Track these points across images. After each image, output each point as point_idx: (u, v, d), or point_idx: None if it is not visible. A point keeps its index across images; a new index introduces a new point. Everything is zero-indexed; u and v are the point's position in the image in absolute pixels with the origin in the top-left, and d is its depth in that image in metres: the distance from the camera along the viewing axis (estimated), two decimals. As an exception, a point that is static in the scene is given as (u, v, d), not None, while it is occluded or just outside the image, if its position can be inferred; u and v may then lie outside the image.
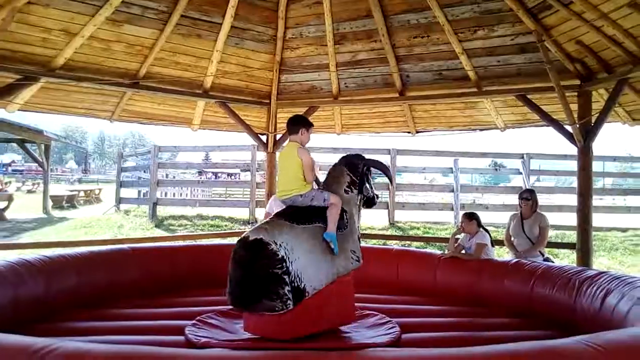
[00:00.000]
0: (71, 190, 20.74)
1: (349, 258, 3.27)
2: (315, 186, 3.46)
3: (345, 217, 3.30)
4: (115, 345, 1.84)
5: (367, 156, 3.66)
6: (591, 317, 3.24)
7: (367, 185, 3.57)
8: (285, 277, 2.83)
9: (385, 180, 13.20)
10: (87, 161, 60.33)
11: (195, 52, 6.23)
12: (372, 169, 3.64)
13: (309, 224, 3.14)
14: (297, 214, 3.18)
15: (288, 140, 3.51)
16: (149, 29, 5.69)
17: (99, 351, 1.73)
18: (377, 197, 3.66)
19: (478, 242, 4.66)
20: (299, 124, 3.46)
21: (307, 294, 2.92)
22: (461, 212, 11.63)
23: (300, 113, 7.01)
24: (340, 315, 3.22)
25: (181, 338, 3.03)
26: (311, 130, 3.53)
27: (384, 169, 3.79)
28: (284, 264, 2.85)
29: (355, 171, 3.49)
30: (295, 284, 2.87)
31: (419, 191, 16.65)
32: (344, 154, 3.70)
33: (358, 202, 3.53)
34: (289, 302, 2.81)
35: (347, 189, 3.43)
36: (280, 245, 2.89)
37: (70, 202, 18.28)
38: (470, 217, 4.77)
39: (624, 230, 11.70)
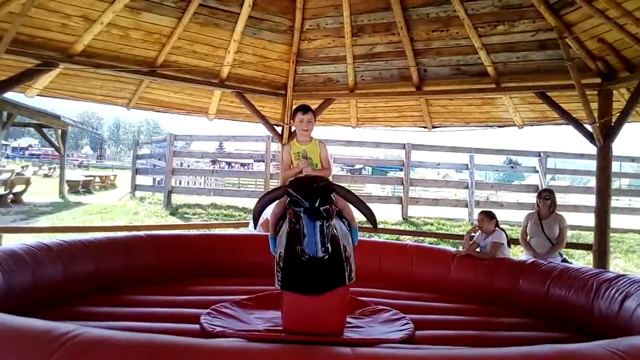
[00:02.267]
0: (87, 176, 20.98)
1: None
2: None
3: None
4: (136, 334, 1.85)
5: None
6: (609, 321, 3.20)
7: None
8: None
9: (400, 174, 13.16)
10: (102, 147, 60.90)
11: (212, 42, 6.23)
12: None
13: None
14: None
15: None
16: (167, 17, 5.71)
17: (120, 339, 1.75)
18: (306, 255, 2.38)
19: (494, 241, 4.61)
20: None
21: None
22: (476, 209, 11.61)
23: (313, 104, 7.03)
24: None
25: (196, 326, 3.06)
26: (297, 115, 3.26)
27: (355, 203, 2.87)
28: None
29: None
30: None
31: (433, 187, 16.57)
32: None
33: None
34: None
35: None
36: None
37: (85, 187, 18.50)
38: (491, 216, 4.72)
39: (641, 232, 11.55)
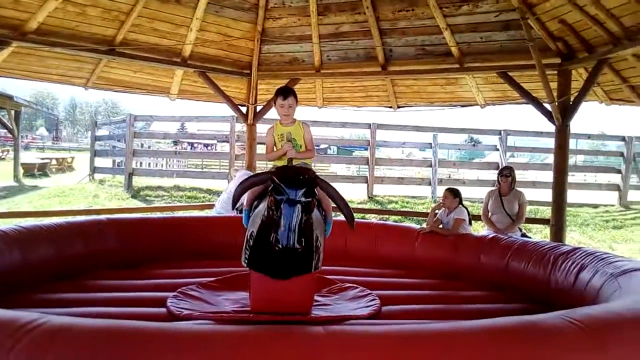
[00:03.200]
0: (43, 158, 20.22)
1: None
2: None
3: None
4: (100, 320, 1.81)
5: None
6: (565, 292, 3.35)
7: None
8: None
9: (365, 154, 13.26)
10: (58, 128, 58.69)
11: (174, 19, 6.05)
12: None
13: None
14: None
15: None
16: (126, -7, 5.49)
17: (85, 326, 1.70)
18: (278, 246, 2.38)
19: (456, 217, 4.73)
20: None
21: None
22: (439, 187, 11.86)
23: (279, 84, 6.96)
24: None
25: (163, 310, 3.03)
26: (277, 100, 3.21)
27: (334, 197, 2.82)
28: None
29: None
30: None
31: (398, 166, 16.80)
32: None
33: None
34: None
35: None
36: None
37: (42, 170, 17.86)
38: (455, 194, 4.82)
39: (595, 206, 12.09)
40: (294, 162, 2.98)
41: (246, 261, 2.85)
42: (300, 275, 2.74)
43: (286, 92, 3.20)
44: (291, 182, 2.47)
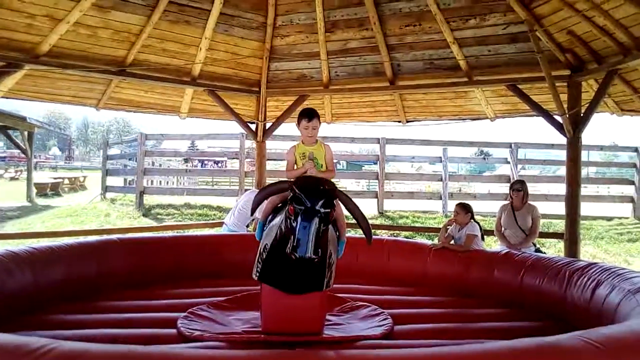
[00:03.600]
0: (55, 178, 20.44)
1: None
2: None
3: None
4: (112, 346, 1.79)
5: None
6: (582, 309, 3.28)
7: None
8: None
9: (375, 168, 13.23)
10: (70, 148, 59.40)
11: (183, 39, 6.11)
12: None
13: None
14: None
15: None
16: (136, 15, 5.56)
17: (96, 352, 1.68)
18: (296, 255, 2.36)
19: (469, 233, 4.67)
20: None
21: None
22: (449, 201, 11.76)
23: (288, 101, 6.99)
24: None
25: (173, 331, 3.00)
26: (302, 121, 3.24)
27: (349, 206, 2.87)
28: None
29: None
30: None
31: (408, 180, 16.72)
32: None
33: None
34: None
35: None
36: None
37: (54, 189, 18.04)
38: (467, 209, 4.77)
39: (609, 219, 11.89)
40: None
41: (258, 274, 2.84)
42: (313, 291, 2.73)
43: (311, 115, 3.24)
44: (311, 192, 2.49)
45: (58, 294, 3.70)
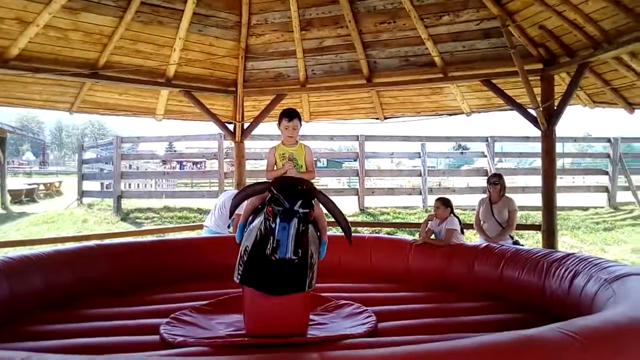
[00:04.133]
0: (30, 184, 19.98)
1: None
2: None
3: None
4: (95, 357, 1.75)
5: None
6: (561, 299, 3.34)
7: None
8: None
9: (355, 165, 13.26)
10: (45, 152, 58.12)
11: (156, 40, 6.02)
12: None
13: None
14: None
15: None
16: (108, 16, 5.46)
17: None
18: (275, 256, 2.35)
19: (448, 227, 4.72)
20: None
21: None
22: (430, 197, 11.86)
23: (265, 100, 6.95)
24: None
25: (156, 337, 2.96)
26: (283, 121, 3.26)
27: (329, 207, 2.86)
28: None
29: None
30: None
31: (388, 176, 16.80)
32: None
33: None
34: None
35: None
36: None
37: (29, 196, 17.64)
38: (447, 203, 4.81)
39: (585, 209, 12.16)
40: None
41: (239, 277, 2.82)
42: (295, 292, 2.72)
43: (291, 115, 3.25)
44: (289, 193, 2.48)
45: (37, 303, 3.62)
